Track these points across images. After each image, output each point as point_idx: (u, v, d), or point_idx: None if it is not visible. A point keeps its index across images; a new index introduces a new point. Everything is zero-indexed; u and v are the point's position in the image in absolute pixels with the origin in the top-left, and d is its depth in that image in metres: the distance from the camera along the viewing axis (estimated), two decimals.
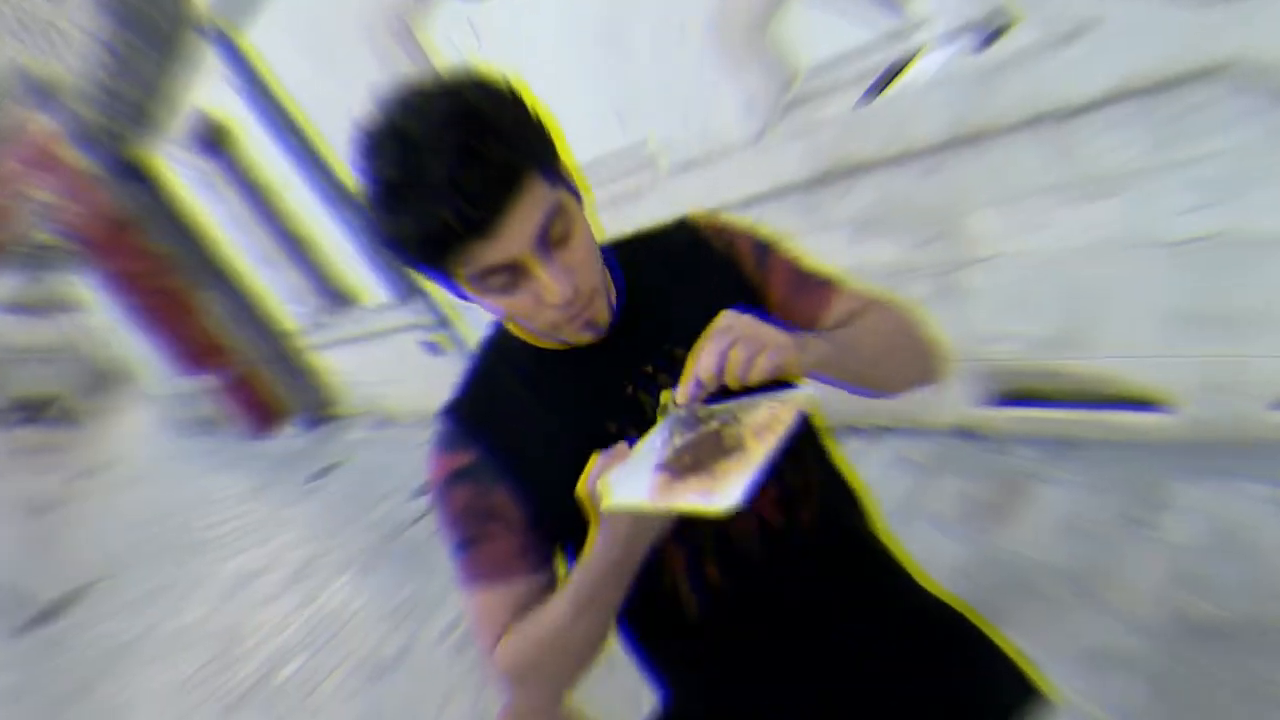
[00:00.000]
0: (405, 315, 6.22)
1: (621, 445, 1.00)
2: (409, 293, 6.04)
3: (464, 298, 1.05)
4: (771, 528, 1.15)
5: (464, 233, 0.91)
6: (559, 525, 1.07)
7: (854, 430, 3.75)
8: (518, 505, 1.09)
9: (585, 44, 3.29)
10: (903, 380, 1.22)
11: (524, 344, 1.13)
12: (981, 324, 2.96)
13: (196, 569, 8.58)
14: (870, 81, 2.72)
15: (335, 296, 8.04)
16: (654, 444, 1.01)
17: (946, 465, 3.24)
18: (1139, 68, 2.11)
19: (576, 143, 3.87)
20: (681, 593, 1.14)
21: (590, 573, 1.02)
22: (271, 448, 11.02)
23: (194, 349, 12.47)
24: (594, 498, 0.97)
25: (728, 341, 0.96)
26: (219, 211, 7.94)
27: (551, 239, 0.98)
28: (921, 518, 3.08)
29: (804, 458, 1.19)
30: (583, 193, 1.06)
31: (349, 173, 5.18)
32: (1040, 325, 2.82)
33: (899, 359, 1.20)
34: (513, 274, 0.97)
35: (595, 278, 1.03)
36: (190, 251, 9.42)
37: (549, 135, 1.00)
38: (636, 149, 3.67)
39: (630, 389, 1.08)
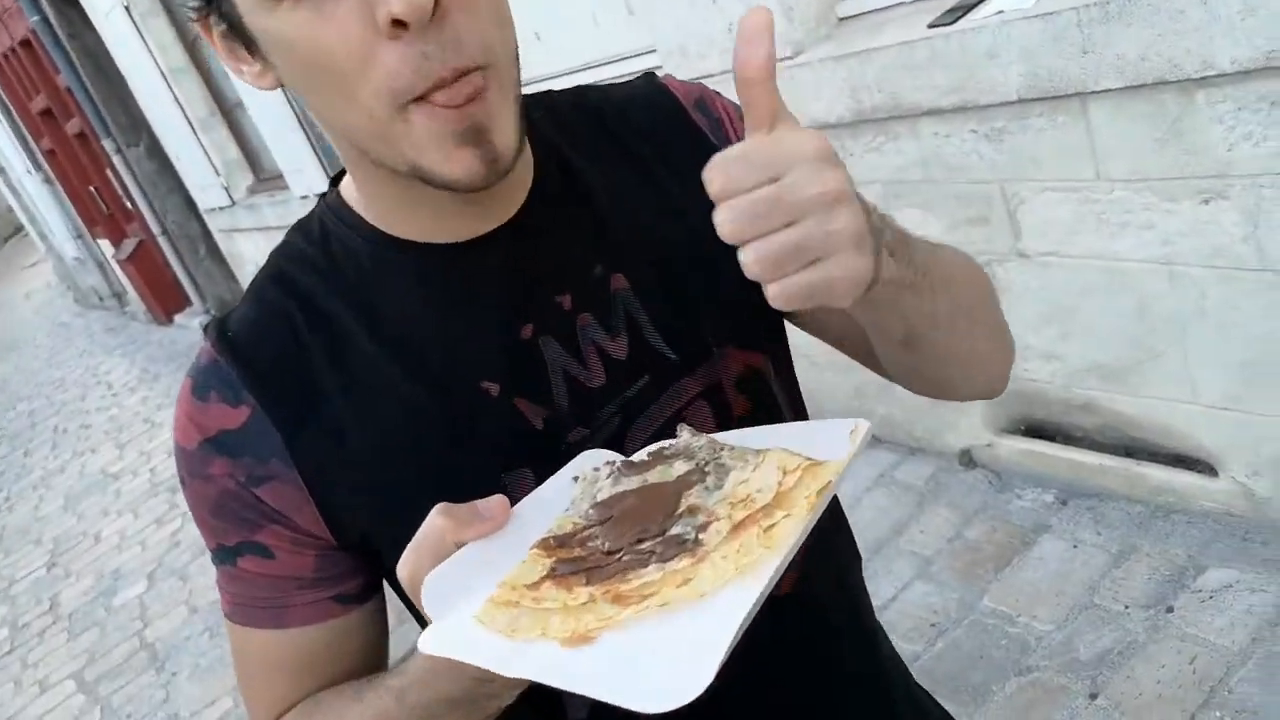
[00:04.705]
0: None
1: (497, 500, 0.59)
2: None
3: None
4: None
5: None
6: (387, 546, 0.68)
7: None
8: (315, 506, 0.70)
9: None
10: (972, 367, 0.84)
11: (365, 229, 0.73)
12: (1014, 334, 2.68)
13: (51, 460, 8.28)
14: (944, 6, 2.42)
15: (264, 176, 7.66)
16: (546, 504, 0.61)
17: (940, 496, 3.04)
18: None
19: (575, 41, 3.51)
20: None
21: (421, 697, 0.66)
22: (171, 335, 10.76)
23: (100, 210, 12.04)
24: (419, 594, 0.58)
25: (781, 225, 0.49)
26: (146, 56, 7.45)
27: None
28: (901, 554, 2.90)
29: None
30: None
31: None
32: (1085, 347, 2.59)
33: (980, 331, 0.82)
34: None
35: (494, 38, 0.62)
36: (109, 97, 9.02)
37: None
38: (644, 54, 3.38)
39: (530, 330, 0.70)
